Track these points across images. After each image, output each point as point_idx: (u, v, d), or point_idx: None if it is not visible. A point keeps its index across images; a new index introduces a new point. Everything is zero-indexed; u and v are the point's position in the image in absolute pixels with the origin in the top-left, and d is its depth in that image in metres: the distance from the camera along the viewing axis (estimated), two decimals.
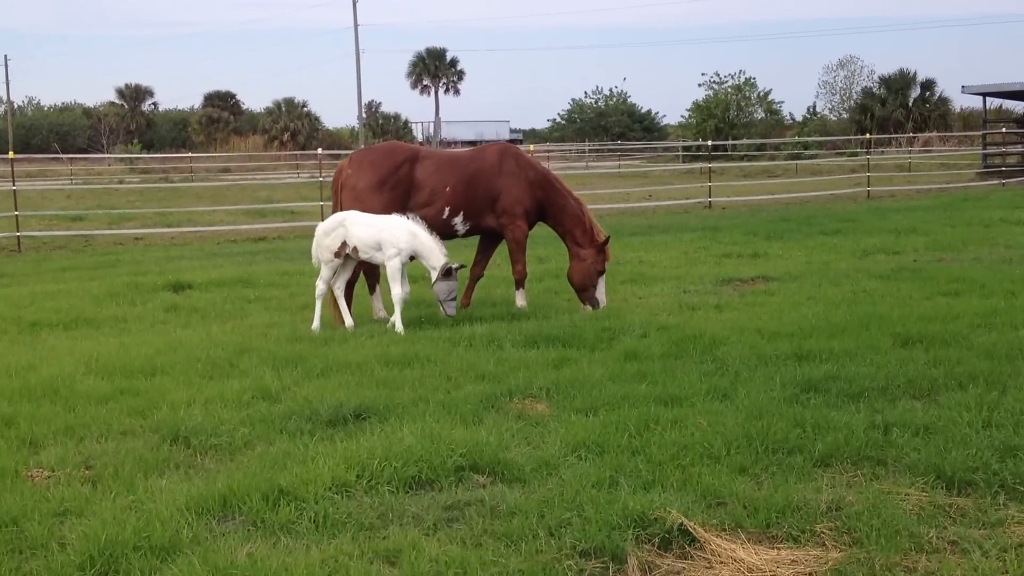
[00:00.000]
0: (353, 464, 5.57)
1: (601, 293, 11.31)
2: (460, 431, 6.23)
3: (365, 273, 10.98)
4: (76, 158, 63.72)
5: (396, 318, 9.97)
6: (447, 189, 10.83)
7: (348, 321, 10.27)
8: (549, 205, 11.24)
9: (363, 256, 10.21)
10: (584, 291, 11.06)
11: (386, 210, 10.64)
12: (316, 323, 10.17)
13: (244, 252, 19.20)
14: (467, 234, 11.28)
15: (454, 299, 10.09)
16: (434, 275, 10.01)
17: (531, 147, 34.96)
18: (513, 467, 5.68)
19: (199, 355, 8.59)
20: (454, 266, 9.99)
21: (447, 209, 10.85)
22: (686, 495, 5.28)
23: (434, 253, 10.01)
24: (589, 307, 11.13)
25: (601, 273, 11.22)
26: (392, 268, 10.01)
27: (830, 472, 5.81)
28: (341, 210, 10.70)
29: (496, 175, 11.09)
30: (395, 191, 10.67)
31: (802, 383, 7.54)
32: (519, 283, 11.32)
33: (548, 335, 9.36)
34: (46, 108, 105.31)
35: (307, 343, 9.34)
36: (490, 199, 11.06)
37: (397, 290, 10.00)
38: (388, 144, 11.44)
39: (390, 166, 10.73)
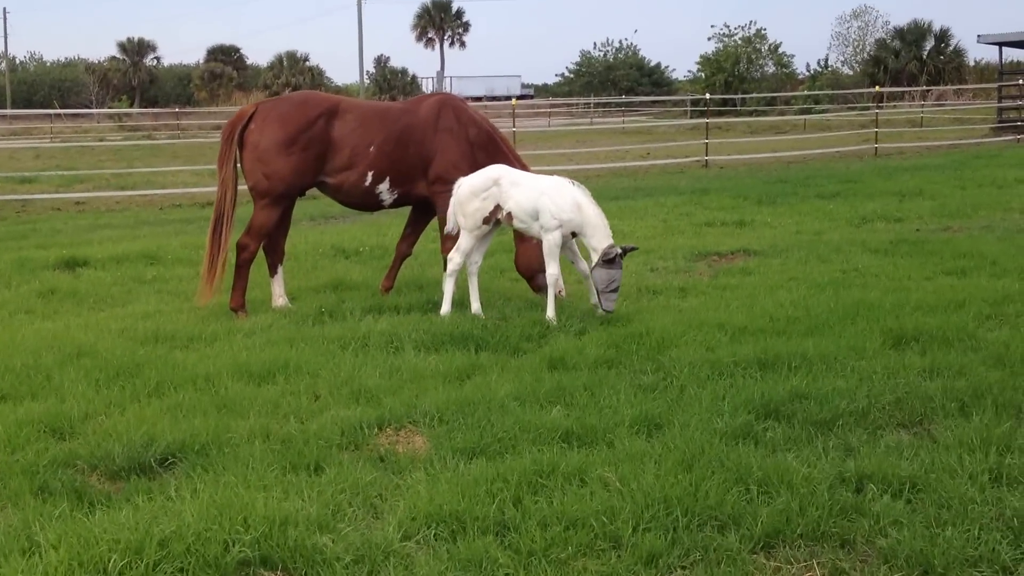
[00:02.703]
0: (83, 562, 3.91)
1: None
2: (271, 496, 4.56)
3: (266, 249, 9.23)
4: (62, 114, 61.95)
5: (550, 306, 8.25)
6: (370, 149, 9.05)
7: (475, 305, 8.56)
8: None
9: (518, 225, 8.49)
10: (534, 277, 9.32)
11: (294, 175, 8.90)
12: (447, 306, 8.47)
13: (180, 220, 17.43)
14: (396, 204, 9.51)
15: (615, 291, 8.23)
16: (595, 258, 8.26)
17: (511, 102, 33.15)
18: (320, 563, 4.03)
19: (15, 363, 6.92)
20: (620, 251, 8.22)
21: (370, 174, 9.08)
22: None
23: (599, 231, 8.27)
24: (543, 293, 9.40)
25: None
26: (551, 242, 8.31)
27: (775, 560, 4.15)
28: (229, 177, 8.95)
29: (431, 132, 9.31)
30: (307, 151, 8.89)
31: (760, 406, 5.86)
32: None
33: (464, 333, 7.69)
34: (48, 64, 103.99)
35: (163, 345, 7.68)
36: (423, 162, 9.30)
37: (553, 269, 8.32)
38: (301, 94, 9.58)
39: (302, 121, 8.91)
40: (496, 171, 8.61)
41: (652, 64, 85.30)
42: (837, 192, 17.77)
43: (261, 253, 9.18)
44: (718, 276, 10.43)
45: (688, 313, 8.41)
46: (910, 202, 16.31)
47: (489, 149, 9.44)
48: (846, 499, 4.57)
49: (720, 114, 53.37)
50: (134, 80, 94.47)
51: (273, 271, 9.24)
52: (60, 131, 52.92)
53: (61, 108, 66.94)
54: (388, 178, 9.13)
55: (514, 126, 26.61)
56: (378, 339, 7.56)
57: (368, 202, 9.29)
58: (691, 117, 54.09)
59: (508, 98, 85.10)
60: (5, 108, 71.86)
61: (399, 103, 9.94)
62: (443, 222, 9.47)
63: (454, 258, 8.52)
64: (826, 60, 73.88)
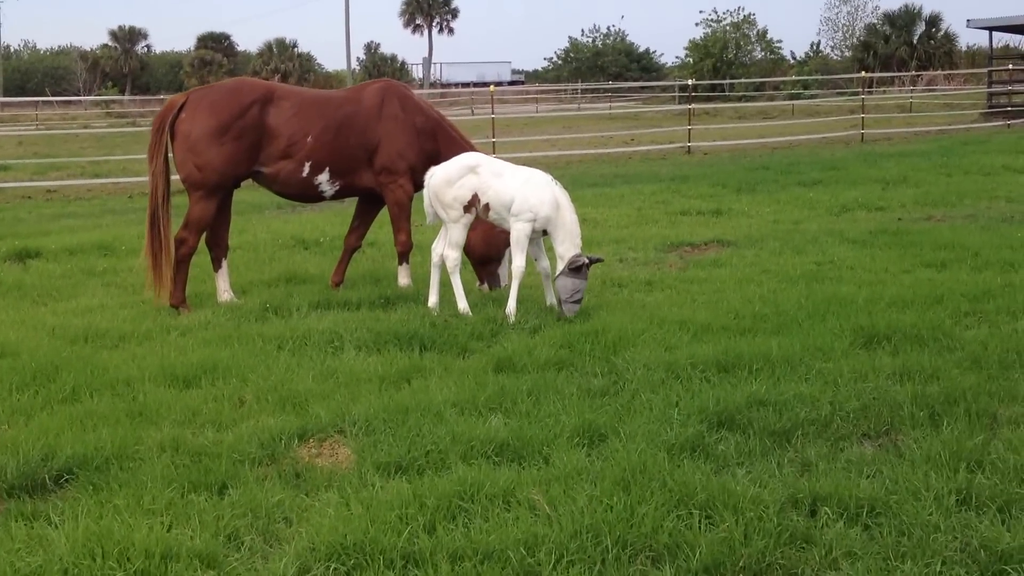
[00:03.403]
0: None
1: (506, 269, 9.16)
2: (160, 523, 4.11)
3: (209, 243, 8.76)
4: (53, 101, 61.24)
5: (512, 297, 7.80)
6: (308, 139, 8.56)
7: (462, 305, 7.98)
8: (443, 158, 9.00)
9: (492, 217, 7.99)
10: (485, 264, 8.87)
11: (227, 165, 8.42)
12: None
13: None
14: (337, 196, 9.05)
15: (578, 301, 7.77)
16: (560, 266, 7.82)
17: (489, 89, 32.62)
18: None
19: None
20: (586, 260, 7.77)
21: (307, 164, 8.60)
22: None
23: (568, 239, 7.80)
24: (486, 286, 8.99)
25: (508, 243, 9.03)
26: (518, 233, 7.83)
27: None
28: (159, 170, 8.49)
29: (374, 121, 8.82)
30: (240, 141, 8.41)
31: (714, 414, 5.43)
32: (402, 256, 9.12)
33: (410, 332, 7.23)
34: (42, 51, 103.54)
35: (92, 344, 7.22)
36: (366, 151, 8.81)
37: (520, 261, 7.85)
38: (234, 81, 9.09)
39: (235, 109, 8.42)
40: (472, 158, 8.15)
41: (641, 50, 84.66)
42: (819, 180, 17.31)
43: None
44: (688, 268, 9.99)
45: (651, 309, 7.97)
46: (893, 190, 15.86)
47: (438, 137, 8.99)
48: (797, 525, 4.13)
49: (708, 99, 52.90)
50: (125, 67, 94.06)
51: (217, 265, 8.77)
52: (47, 118, 52.11)
53: (53, 96, 66.21)
54: (328, 168, 8.66)
55: (493, 112, 26.05)
56: (318, 338, 7.10)
57: (307, 193, 8.82)
58: (679, 103, 53.58)
59: (499, 84, 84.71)
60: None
61: (341, 91, 9.40)
62: (394, 215, 9.03)
63: (450, 254, 7.99)
64: (817, 45, 73.44)
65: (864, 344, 6.90)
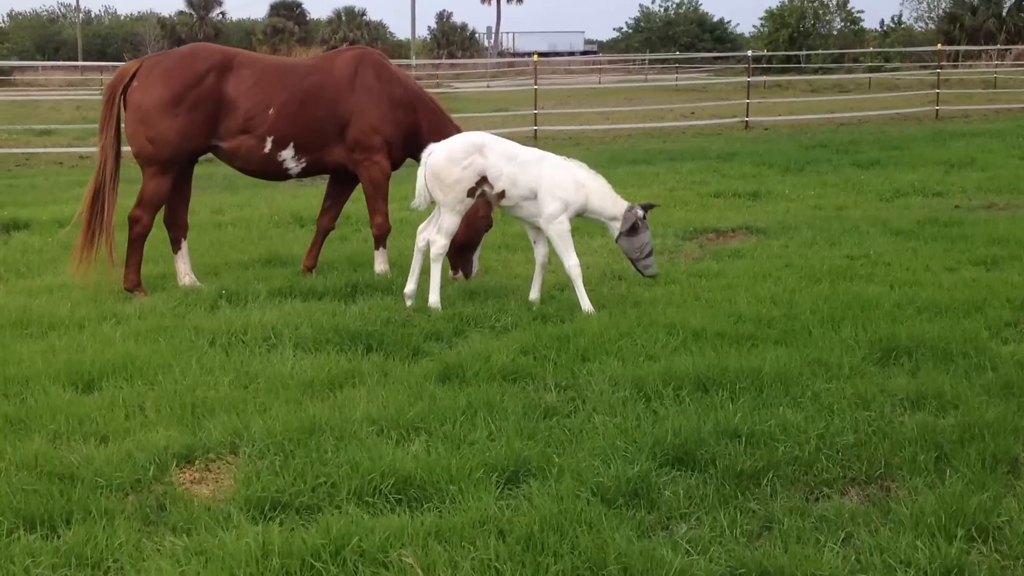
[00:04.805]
0: None
1: (477, 256, 8.34)
2: None
3: (167, 222, 8.08)
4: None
5: (581, 296, 7.03)
6: (270, 111, 7.79)
7: (433, 298, 7.17)
8: (424, 134, 8.19)
9: (508, 205, 7.17)
10: (463, 251, 8.04)
11: (181, 139, 7.69)
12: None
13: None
14: (306, 173, 8.26)
15: (650, 255, 7.14)
16: (615, 229, 7.13)
17: (534, 59, 31.62)
18: None
19: None
20: (640, 213, 7.06)
21: (269, 139, 7.83)
22: None
23: (607, 200, 7.09)
24: (461, 275, 8.16)
25: (488, 227, 8.20)
26: (559, 231, 7.03)
27: None
28: (109, 143, 7.79)
29: (346, 92, 8.02)
30: (195, 112, 7.65)
31: (672, 447, 4.54)
32: (378, 240, 8.31)
33: (359, 329, 6.43)
34: (122, 17, 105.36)
35: (13, 332, 6.55)
36: (336, 125, 8.02)
37: (571, 258, 7.07)
38: (190, 47, 8.30)
39: (189, 77, 7.66)
40: (479, 137, 7.28)
41: (715, 19, 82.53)
42: (876, 160, 16.06)
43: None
44: (703, 259, 9.02)
45: (643, 308, 7.07)
46: (957, 173, 14.59)
47: (418, 109, 8.18)
48: None
49: (784, 71, 51.12)
50: (200, 34, 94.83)
51: (176, 246, 8.07)
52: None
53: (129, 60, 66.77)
54: (292, 144, 7.89)
55: (535, 84, 25.04)
56: (256, 333, 6.34)
57: (270, 170, 8.06)
58: (752, 75, 51.80)
59: (571, 54, 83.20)
60: (77, 60, 72.34)
61: (309, 58, 8.54)
62: (368, 195, 8.25)
63: (438, 240, 7.16)
64: (899, 17, 70.74)
65: (879, 359, 5.94)
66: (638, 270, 7.30)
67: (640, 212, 7.09)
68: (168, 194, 7.83)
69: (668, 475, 4.32)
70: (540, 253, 7.34)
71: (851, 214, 11.23)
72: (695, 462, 4.46)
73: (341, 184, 8.47)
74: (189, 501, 4.18)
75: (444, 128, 8.15)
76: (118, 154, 7.84)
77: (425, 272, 7.29)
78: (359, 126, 7.99)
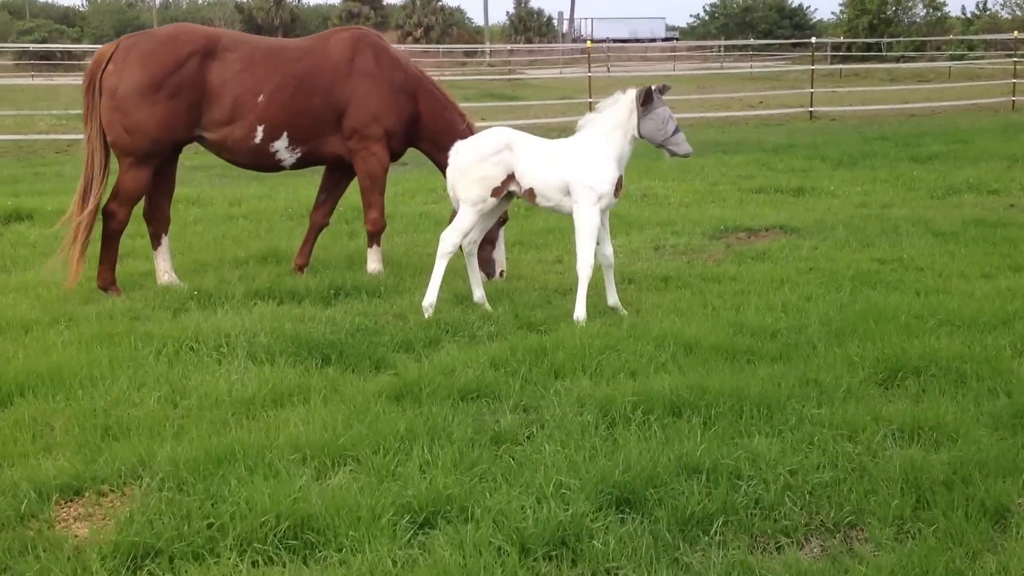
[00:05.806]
0: None
1: (500, 253, 7.89)
2: None
3: (146, 216, 7.74)
4: None
5: (580, 301, 6.55)
6: (259, 99, 7.40)
7: (478, 293, 6.99)
8: (427, 123, 7.77)
9: (542, 203, 6.74)
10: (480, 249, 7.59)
11: (160, 129, 7.29)
12: (432, 296, 6.72)
13: (191, 166, 15.79)
14: (300, 165, 7.88)
15: (676, 130, 6.53)
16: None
17: (587, 44, 31.03)
18: None
19: None
20: (654, 86, 6.56)
21: (259, 129, 7.44)
22: None
23: (610, 114, 6.72)
24: (484, 275, 7.70)
25: (503, 223, 7.76)
26: (589, 223, 6.55)
27: None
28: (94, 135, 7.44)
29: (342, 77, 7.60)
30: (175, 100, 7.25)
31: (616, 486, 4.07)
32: (372, 237, 7.90)
33: (321, 338, 6.03)
34: (199, 2, 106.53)
35: None
36: (333, 113, 7.62)
37: (590, 258, 6.60)
38: (172, 27, 7.70)
39: (168, 62, 7.24)
40: (507, 133, 6.83)
41: (794, 5, 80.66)
42: (936, 154, 15.23)
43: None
44: (724, 262, 8.48)
45: (644, 315, 6.61)
46: (1018, 169, 13.72)
47: (420, 96, 7.75)
48: None
49: (863, 60, 49.62)
50: (277, 19, 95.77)
51: (156, 242, 7.70)
52: None
53: None
54: (285, 133, 7.48)
55: (589, 71, 24.44)
56: (208, 341, 5.97)
57: (261, 162, 7.67)
58: (831, 63, 50.36)
59: (652, 40, 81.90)
60: None
61: (302, 40, 8.06)
62: (364, 187, 7.84)
63: (448, 238, 6.77)
64: (984, 3, 68.18)
65: (883, 380, 5.40)
66: (672, 153, 6.60)
67: (654, 85, 6.54)
68: (147, 187, 7.47)
69: (605, 520, 3.85)
70: (605, 252, 6.78)
71: (895, 213, 10.55)
72: (641, 504, 3.99)
73: (337, 176, 8.07)
74: (57, 544, 3.76)
75: (449, 117, 7.75)
76: (105, 146, 7.45)
77: (474, 272, 6.97)
78: (357, 114, 7.58)
